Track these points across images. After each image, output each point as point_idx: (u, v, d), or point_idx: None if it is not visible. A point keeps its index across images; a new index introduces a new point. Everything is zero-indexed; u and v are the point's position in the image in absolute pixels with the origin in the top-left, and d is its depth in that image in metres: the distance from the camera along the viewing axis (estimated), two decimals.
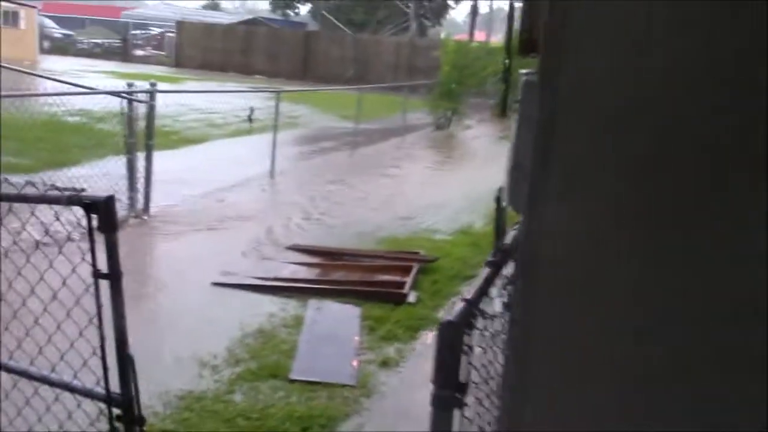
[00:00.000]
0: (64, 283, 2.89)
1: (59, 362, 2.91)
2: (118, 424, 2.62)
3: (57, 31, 47.76)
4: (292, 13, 55.34)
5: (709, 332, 1.05)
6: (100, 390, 2.65)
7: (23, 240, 3.22)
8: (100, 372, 2.61)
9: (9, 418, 3.17)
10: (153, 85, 9.28)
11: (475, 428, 1.86)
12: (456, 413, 1.61)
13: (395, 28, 47.69)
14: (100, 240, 2.52)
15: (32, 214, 2.95)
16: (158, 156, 9.49)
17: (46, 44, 41.83)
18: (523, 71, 1.14)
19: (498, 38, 40.97)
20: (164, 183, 9.62)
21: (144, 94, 9.07)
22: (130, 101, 8.81)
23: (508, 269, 1.80)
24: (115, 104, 9.01)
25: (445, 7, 52.67)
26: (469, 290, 1.72)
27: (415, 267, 7.37)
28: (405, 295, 6.63)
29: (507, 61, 24.88)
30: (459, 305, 1.61)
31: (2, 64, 12.26)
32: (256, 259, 7.72)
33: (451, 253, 8.19)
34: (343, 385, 4.93)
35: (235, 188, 11.14)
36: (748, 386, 1.04)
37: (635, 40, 1.01)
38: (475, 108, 24.62)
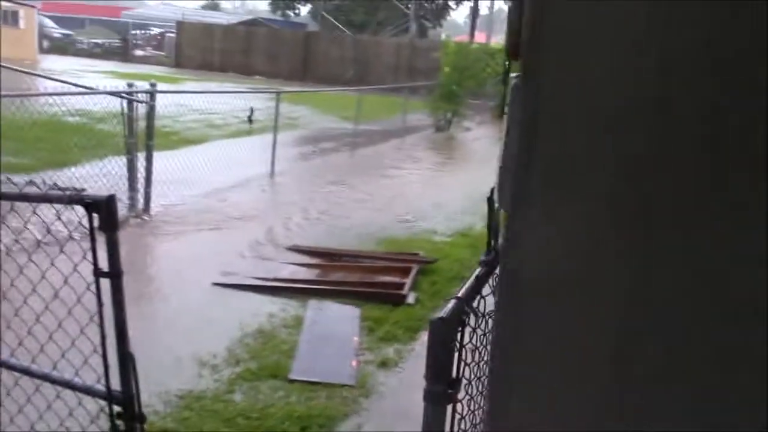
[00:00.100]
0: (65, 282, 2.90)
1: (60, 360, 2.92)
2: (118, 422, 2.63)
3: (57, 31, 47.74)
4: (292, 14, 55.34)
5: (709, 332, 1.05)
6: (100, 387, 2.66)
7: (25, 239, 3.23)
8: (100, 370, 2.62)
9: (11, 416, 3.18)
10: (153, 85, 9.29)
11: (468, 424, 1.87)
12: (448, 408, 1.63)
13: (395, 29, 47.70)
14: (101, 239, 2.53)
15: (34, 213, 2.96)
16: (158, 156, 9.51)
17: (46, 44, 41.82)
18: (514, 74, 1.15)
19: (498, 40, 40.96)
20: (164, 183, 9.63)
21: (144, 95, 9.08)
22: (130, 101, 8.82)
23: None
24: (115, 104, 9.02)
25: (445, 9, 52.68)
26: (461, 289, 1.73)
27: (415, 268, 7.39)
28: (404, 296, 6.64)
29: (507, 62, 24.81)
30: (451, 303, 1.62)
31: (2, 64, 12.26)
32: (256, 259, 7.72)
33: (451, 254, 8.20)
34: (343, 385, 4.94)
35: (235, 189, 11.15)
36: (748, 386, 1.04)
37: (623, 38, 1.02)
38: (476, 109, 24.63)
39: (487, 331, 1.81)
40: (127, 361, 2.63)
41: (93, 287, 2.58)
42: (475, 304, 1.73)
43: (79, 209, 2.57)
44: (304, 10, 55.31)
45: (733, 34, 0.99)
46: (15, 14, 37.88)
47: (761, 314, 1.02)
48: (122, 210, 8.36)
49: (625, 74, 1.02)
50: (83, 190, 7.45)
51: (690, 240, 1.04)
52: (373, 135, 18.74)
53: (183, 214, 9.32)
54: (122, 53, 44.96)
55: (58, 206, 2.85)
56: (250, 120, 18.16)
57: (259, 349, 5.40)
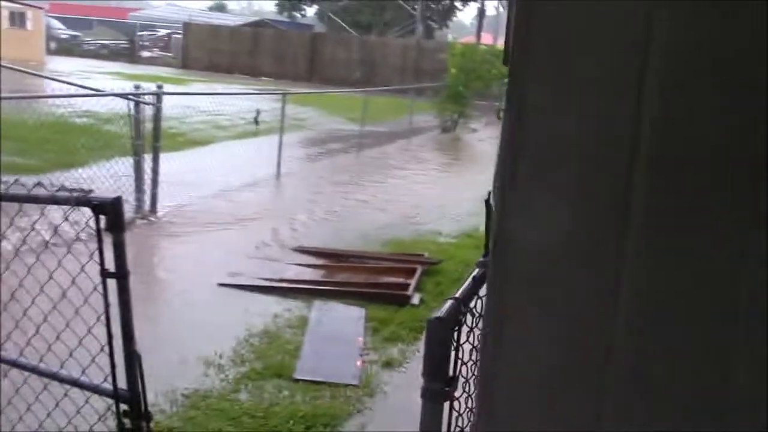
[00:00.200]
0: (73, 282, 2.92)
1: (68, 359, 2.94)
2: (125, 420, 2.65)
3: (64, 32, 47.90)
4: (298, 15, 55.43)
5: (709, 332, 1.04)
6: (107, 386, 2.68)
7: (33, 240, 3.25)
8: (107, 369, 2.64)
9: (19, 414, 3.20)
10: (159, 87, 9.33)
11: (466, 421, 1.89)
12: (446, 406, 1.64)
13: (402, 31, 47.74)
14: (108, 240, 2.55)
15: (42, 214, 2.99)
16: (165, 157, 9.54)
17: (53, 45, 41.95)
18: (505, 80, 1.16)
19: None
20: (171, 184, 9.67)
21: (150, 96, 9.12)
22: (136, 103, 8.86)
23: None
24: (122, 106, 9.06)
25: (451, 10, 52.69)
26: (459, 289, 1.75)
27: (419, 269, 7.40)
28: (409, 297, 6.65)
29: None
30: (448, 303, 1.64)
31: (9, 66, 12.32)
32: (261, 260, 7.75)
33: (455, 255, 8.21)
34: (347, 385, 4.96)
35: (242, 189, 11.17)
36: (748, 386, 1.03)
37: (619, 40, 1.02)
38: (482, 111, 24.64)
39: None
40: (133, 360, 2.65)
41: (100, 287, 2.61)
42: (472, 305, 1.74)
43: (87, 210, 2.60)
44: (311, 11, 55.41)
45: (733, 34, 0.99)
46: (22, 15, 38.03)
47: (761, 314, 1.02)
48: (129, 211, 8.38)
49: (623, 74, 1.02)
50: (90, 191, 7.49)
51: (689, 240, 1.04)
52: (380, 136, 18.77)
53: (189, 215, 9.36)
54: (129, 54, 45.07)
55: (65, 207, 2.87)
56: (256, 121, 18.19)
57: (264, 349, 5.43)
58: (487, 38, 43.16)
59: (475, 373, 1.82)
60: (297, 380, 4.97)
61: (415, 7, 47.37)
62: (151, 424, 2.77)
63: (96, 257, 2.58)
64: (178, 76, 33.40)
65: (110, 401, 2.73)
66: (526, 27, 1.05)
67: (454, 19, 55.25)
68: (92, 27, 55.57)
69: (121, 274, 2.62)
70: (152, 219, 8.94)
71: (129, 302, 2.62)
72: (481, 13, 46.64)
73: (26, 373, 3.04)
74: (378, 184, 12.93)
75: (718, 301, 1.04)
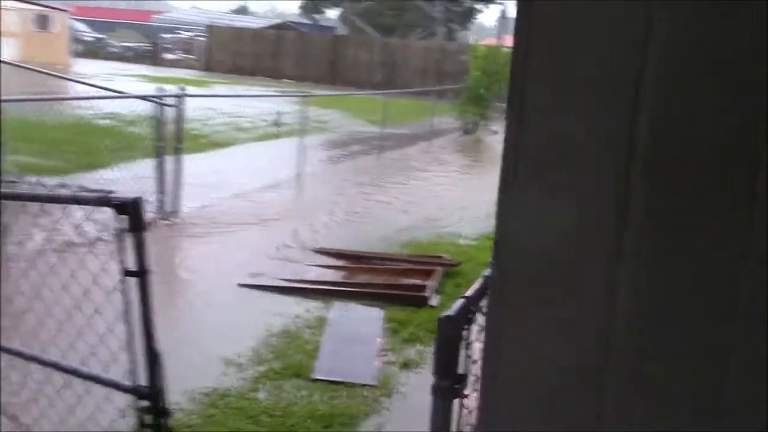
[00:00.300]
0: (94, 281, 2.98)
1: (89, 356, 3.00)
2: (145, 416, 2.69)
3: (89, 35, 48.40)
4: (320, 17, 55.57)
5: (709, 332, 1.05)
6: (128, 383, 2.73)
7: (56, 239, 3.31)
8: (128, 366, 2.69)
9: (41, 409, 3.26)
10: (182, 89, 9.42)
11: (475, 419, 1.90)
12: (457, 403, 1.66)
13: (423, 33, 47.71)
14: (128, 239, 2.60)
15: (64, 214, 3.04)
16: (187, 159, 9.63)
17: (78, 47, 42.38)
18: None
19: None
20: (192, 186, 9.75)
21: (173, 98, 9.21)
22: (159, 105, 8.95)
23: None
24: (145, 107, 9.16)
25: (473, 11, 52.58)
26: (470, 289, 1.77)
27: (438, 271, 7.41)
28: (427, 299, 6.67)
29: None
30: (458, 302, 1.66)
31: (34, 68, 12.48)
32: (282, 261, 7.80)
33: (475, 257, 8.21)
34: (365, 385, 4.99)
35: (263, 191, 11.24)
36: (749, 386, 1.03)
37: (619, 40, 1.03)
38: (503, 113, 24.52)
39: None
40: (153, 357, 2.70)
41: (121, 285, 2.66)
42: (482, 304, 1.76)
43: (108, 210, 2.65)
44: (333, 13, 55.52)
45: (733, 34, 0.99)
46: (48, 19, 38.51)
47: (761, 314, 1.02)
48: (151, 212, 8.47)
49: (623, 75, 1.03)
50: (111, 192, 7.58)
51: (689, 240, 1.04)
52: (401, 138, 18.79)
53: (211, 216, 9.43)
54: (152, 57, 45.41)
55: (87, 208, 2.93)
56: (277, 124, 18.27)
57: (283, 349, 5.47)
58: (508, 40, 43.02)
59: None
60: (315, 380, 5.00)
61: (437, 9, 47.33)
62: (171, 421, 2.81)
63: (117, 256, 2.63)
64: (201, 78, 33.62)
65: (131, 397, 2.78)
66: (527, 27, 1.07)
67: (476, 20, 55.12)
68: (116, 30, 56.07)
69: (142, 273, 2.67)
70: (174, 220, 9.02)
71: (149, 300, 2.67)
72: (503, 15, 46.51)
73: (49, 369, 3.10)
74: (399, 185, 12.95)
75: (718, 301, 1.04)
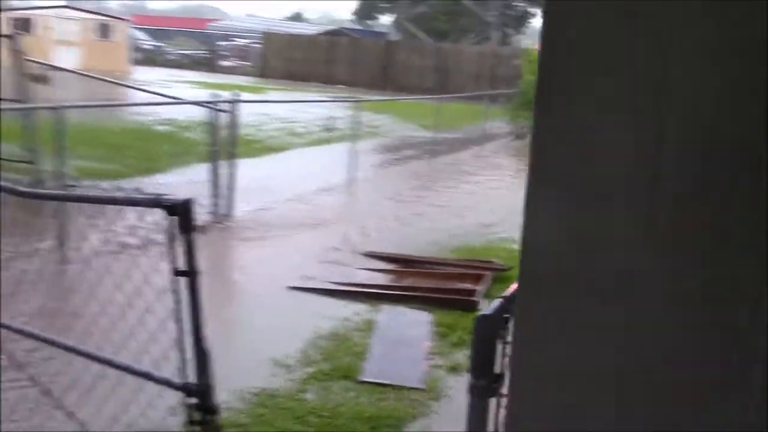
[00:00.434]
0: (146, 281, 3.07)
1: (142, 354, 3.09)
2: (194, 413, 2.77)
3: (148, 43, 49.49)
4: (373, 23, 55.83)
5: (709, 332, 1.05)
6: (177, 380, 2.81)
7: (110, 239, 3.42)
8: (178, 363, 2.77)
9: (97, 405, 3.37)
10: (236, 95, 9.60)
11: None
12: (492, 401, 1.67)
13: (477, 37, 47.57)
14: (180, 240, 2.68)
15: (119, 216, 3.15)
16: (241, 164, 9.80)
17: (138, 55, 43.36)
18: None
19: None
20: (246, 190, 9.91)
21: (227, 104, 9.39)
22: (214, 111, 9.14)
23: None
24: (201, 113, 9.35)
25: (527, 15, 52.24)
26: (509, 289, 1.79)
27: (488, 275, 7.40)
28: (476, 303, 6.66)
29: None
30: (496, 301, 1.68)
31: (96, 76, 12.83)
32: (332, 264, 7.87)
33: None
34: (412, 388, 5.01)
35: (316, 195, 11.36)
36: (748, 386, 1.03)
37: (639, 58, 1.04)
38: None
39: None
40: (202, 355, 2.77)
41: (172, 285, 2.74)
42: None
43: (161, 212, 2.73)
44: (386, 19, 55.72)
45: (732, 34, 1.00)
46: (110, 28, 39.55)
47: (761, 314, 1.01)
48: (205, 215, 8.64)
49: (645, 93, 1.05)
50: (164, 194, 7.76)
51: (716, 244, 1.04)
52: (453, 143, 18.78)
53: (264, 219, 9.57)
54: (209, 64, 46.19)
55: (141, 209, 3.02)
56: (329, 129, 18.43)
57: (331, 351, 5.53)
58: None
59: None
60: (363, 382, 5.05)
61: (491, 13, 47.15)
62: (219, 419, 2.89)
63: (169, 256, 2.71)
64: (255, 84, 34.07)
65: (181, 394, 2.86)
66: (553, 46, 1.09)
67: (530, 24, 54.71)
68: (173, 38, 57.20)
69: (192, 273, 2.75)
70: (228, 223, 9.18)
71: (199, 299, 2.74)
72: None
73: (103, 366, 3.20)
74: (451, 190, 12.95)
75: (719, 301, 1.03)
